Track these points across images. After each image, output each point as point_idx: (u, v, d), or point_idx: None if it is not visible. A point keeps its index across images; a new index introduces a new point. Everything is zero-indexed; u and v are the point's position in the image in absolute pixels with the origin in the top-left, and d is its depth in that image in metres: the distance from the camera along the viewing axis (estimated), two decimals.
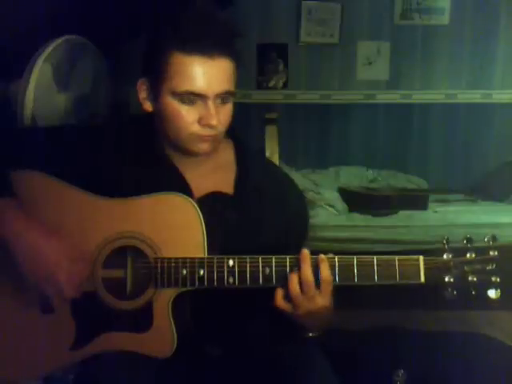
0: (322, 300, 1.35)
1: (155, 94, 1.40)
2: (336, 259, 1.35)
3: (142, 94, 1.43)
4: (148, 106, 1.43)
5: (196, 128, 1.37)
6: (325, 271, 1.34)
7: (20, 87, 2.08)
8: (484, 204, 3.81)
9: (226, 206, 1.45)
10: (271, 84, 4.31)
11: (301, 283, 1.34)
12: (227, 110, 1.40)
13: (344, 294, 1.39)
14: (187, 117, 1.37)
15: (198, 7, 1.40)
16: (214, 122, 1.36)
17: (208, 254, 1.37)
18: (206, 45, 1.33)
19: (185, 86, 1.34)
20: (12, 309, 1.43)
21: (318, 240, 3.20)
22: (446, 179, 4.33)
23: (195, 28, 1.34)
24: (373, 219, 3.52)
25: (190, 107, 1.36)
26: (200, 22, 1.36)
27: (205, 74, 1.34)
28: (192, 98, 1.35)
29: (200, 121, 1.37)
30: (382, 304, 2.83)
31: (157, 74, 1.37)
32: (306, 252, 1.35)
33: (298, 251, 1.36)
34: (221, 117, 1.38)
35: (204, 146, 1.40)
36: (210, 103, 1.36)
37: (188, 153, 1.43)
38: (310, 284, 1.33)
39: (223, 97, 1.38)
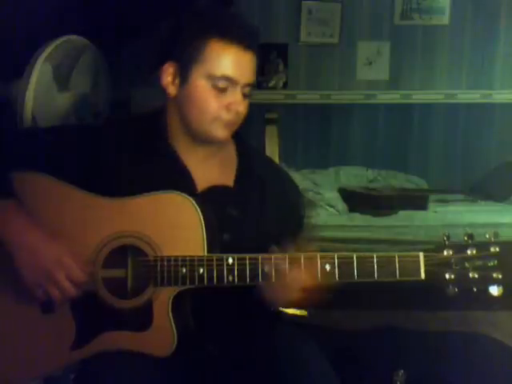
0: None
1: (185, 78, 1.44)
2: (336, 256, 1.36)
3: (168, 77, 1.46)
4: (172, 90, 1.46)
5: (222, 113, 1.43)
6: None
7: (20, 87, 2.07)
8: (484, 204, 3.81)
9: (227, 199, 1.49)
10: (271, 84, 4.31)
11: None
12: (247, 104, 1.48)
13: (345, 294, 1.39)
14: (216, 101, 1.43)
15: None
16: (241, 107, 1.44)
17: (210, 246, 1.38)
18: (243, 36, 1.43)
19: (222, 71, 1.42)
20: (12, 309, 1.43)
21: (318, 240, 3.19)
22: (445, 179, 4.33)
23: (235, 19, 1.47)
24: (373, 219, 3.52)
25: (220, 92, 1.42)
26: (236, 14, 1.50)
27: (239, 62, 1.43)
28: (225, 83, 1.41)
29: (228, 106, 1.43)
30: (382, 304, 2.84)
31: (191, 58, 1.42)
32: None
33: (294, 241, 1.40)
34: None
35: (224, 132, 1.46)
36: (239, 91, 1.43)
37: (206, 139, 1.47)
38: None
39: (247, 88, 1.45)
